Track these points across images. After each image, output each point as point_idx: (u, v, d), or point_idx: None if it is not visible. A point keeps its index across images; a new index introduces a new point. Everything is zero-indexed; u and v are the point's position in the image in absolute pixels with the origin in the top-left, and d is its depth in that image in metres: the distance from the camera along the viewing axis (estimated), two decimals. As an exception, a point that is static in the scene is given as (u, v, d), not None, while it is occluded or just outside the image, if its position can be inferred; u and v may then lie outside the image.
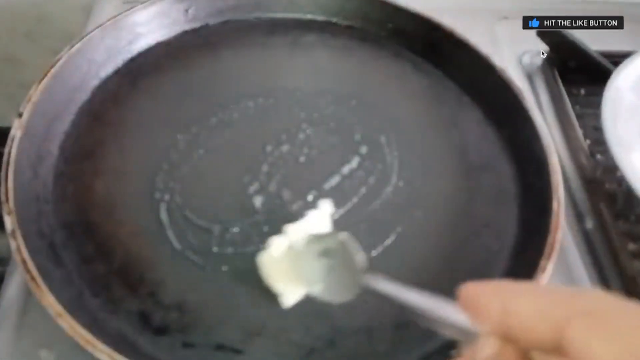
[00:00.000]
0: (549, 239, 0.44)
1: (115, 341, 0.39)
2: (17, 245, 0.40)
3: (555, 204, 0.47)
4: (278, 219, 0.47)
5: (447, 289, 0.45)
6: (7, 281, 0.49)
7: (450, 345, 0.41)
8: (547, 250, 0.44)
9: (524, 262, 0.45)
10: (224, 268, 0.44)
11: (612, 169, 0.61)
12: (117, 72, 0.56)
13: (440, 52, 0.60)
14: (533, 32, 0.69)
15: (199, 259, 0.45)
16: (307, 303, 0.43)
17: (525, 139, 0.53)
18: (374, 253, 0.47)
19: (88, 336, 0.36)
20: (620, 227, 0.56)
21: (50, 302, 0.38)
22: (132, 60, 0.57)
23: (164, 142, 0.51)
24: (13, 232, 0.41)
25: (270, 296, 0.43)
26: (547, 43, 0.70)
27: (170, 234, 0.46)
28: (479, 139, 0.55)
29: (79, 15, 0.73)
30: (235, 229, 0.47)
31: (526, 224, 0.49)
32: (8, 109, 0.91)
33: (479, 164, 0.53)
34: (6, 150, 0.45)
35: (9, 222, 0.42)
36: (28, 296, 0.47)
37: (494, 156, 0.54)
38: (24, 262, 0.40)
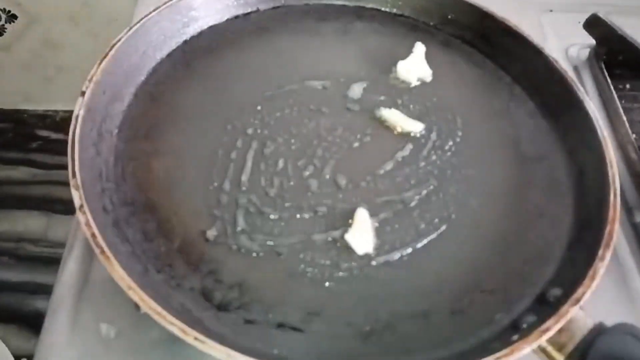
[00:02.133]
0: (608, 229, 0.44)
1: (181, 315, 0.40)
2: (87, 220, 0.41)
3: (611, 196, 0.47)
4: (333, 204, 0.48)
5: (500, 278, 0.45)
6: (65, 259, 0.50)
7: (508, 331, 0.42)
8: (605, 239, 0.44)
9: (581, 253, 0.45)
10: (283, 250, 0.45)
11: (660, 163, 0.61)
12: (172, 55, 0.57)
13: (491, 41, 0.60)
14: (580, 25, 0.69)
15: (258, 242, 0.45)
16: (366, 286, 0.44)
17: (579, 131, 0.53)
18: (427, 240, 0.47)
19: (159, 308, 0.37)
20: (667, 224, 0.56)
21: (120, 275, 0.39)
22: (186, 43, 0.58)
23: (217, 125, 0.52)
24: (81, 206, 0.42)
25: (327, 277, 0.44)
26: (593, 36, 0.69)
27: (228, 215, 0.46)
28: (531, 130, 0.55)
29: (123, 1, 0.74)
30: (294, 214, 0.47)
31: (582, 215, 0.49)
32: (46, 92, 0.92)
33: (533, 155, 0.53)
34: (71, 128, 0.46)
35: (77, 197, 0.42)
36: (87, 273, 0.48)
37: (547, 147, 0.54)
38: (93, 236, 0.40)
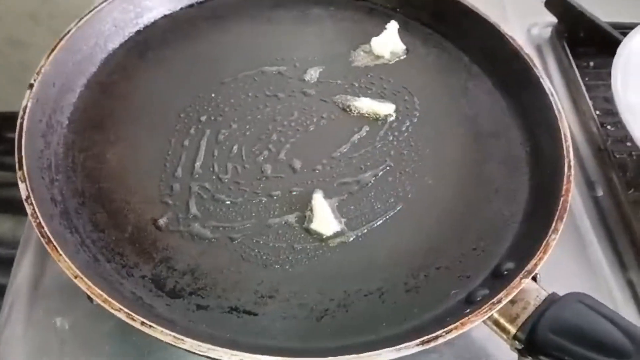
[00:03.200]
0: (561, 201, 0.44)
1: (131, 303, 0.39)
2: (32, 210, 0.41)
3: (565, 168, 0.47)
4: (288, 188, 0.48)
5: (456, 254, 0.45)
6: (19, 257, 0.49)
7: (462, 306, 0.42)
8: (559, 211, 0.44)
9: (535, 226, 0.45)
10: (237, 236, 0.45)
11: (622, 139, 0.61)
12: (125, 45, 0.56)
13: (448, 22, 0.60)
14: (542, 4, 0.69)
15: (211, 228, 0.45)
16: (321, 267, 0.44)
17: (535, 106, 0.52)
18: (382, 220, 0.47)
19: (105, 296, 0.37)
20: (631, 197, 0.56)
21: (66, 264, 0.38)
22: (139, 33, 0.57)
23: (171, 114, 0.51)
24: (27, 197, 0.41)
25: (281, 260, 0.44)
26: (554, 14, 0.69)
27: (180, 203, 0.46)
28: (489, 108, 0.55)
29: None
30: (248, 199, 0.47)
31: (537, 189, 0.48)
32: (13, 92, 0.91)
33: (489, 132, 0.53)
34: (18, 120, 0.46)
35: (23, 188, 0.42)
36: (42, 267, 0.48)
37: (504, 124, 0.53)
38: (39, 226, 0.40)
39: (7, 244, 0.82)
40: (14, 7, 0.80)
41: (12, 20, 0.81)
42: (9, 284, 0.49)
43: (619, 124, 0.62)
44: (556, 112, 0.50)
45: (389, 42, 0.58)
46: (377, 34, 0.59)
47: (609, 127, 0.63)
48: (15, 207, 0.43)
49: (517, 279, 0.40)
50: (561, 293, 0.41)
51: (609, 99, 0.64)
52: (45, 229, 0.40)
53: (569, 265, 0.50)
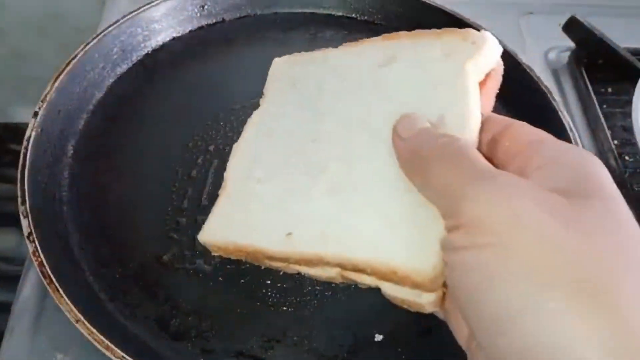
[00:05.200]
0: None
1: (133, 346, 0.38)
2: (34, 248, 0.39)
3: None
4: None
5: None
6: (22, 281, 0.48)
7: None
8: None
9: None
10: (244, 275, 0.43)
11: (640, 171, 0.60)
12: (132, 69, 0.55)
13: (464, 48, 0.58)
14: (559, 27, 0.67)
15: (217, 266, 0.44)
16: (330, 310, 0.42)
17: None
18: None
19: (106, 342, 0.35)
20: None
21: (68, 306, 0.37)
22: (148, 56, 0.56)
23: (178, 143, 0.50)
24: (30, 234, 0.40)
25: (289, 302, 0.42)
26: (573, 39, 0.67)
27: (186, 238, 0.45)
28: (504, 140, 0.53)
29: (92, 12, 0.72)
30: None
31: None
32: (20, 104, 0.90)
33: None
34: (22, 151, 0.44)
35: (25, 224, 0.41)
36: (44, 297, 0.47)
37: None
38: (41, 264, 0.39)
39: (12, 260, 0.82)
40: (21, 20, 0.79)
41: (20, 34, 0.80)
42: (13, 304, 0.48)
43: (637, 155, 0.60)
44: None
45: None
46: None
47: (626, 157, 0.61)
48: (18, 221, 0.43)
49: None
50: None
51: (627, 128, 0.62)
52: (47, 268, 0.39)
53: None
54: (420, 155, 0.30)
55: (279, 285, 0.43)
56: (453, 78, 0.35)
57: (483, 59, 0.35)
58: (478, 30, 0.36)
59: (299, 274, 0.40)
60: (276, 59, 0.46)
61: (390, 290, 0.33)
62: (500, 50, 0.36)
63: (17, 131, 0.46)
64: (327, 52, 0.43)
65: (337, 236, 0.34)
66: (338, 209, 0.34)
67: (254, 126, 0.42)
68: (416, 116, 0.33)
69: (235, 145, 0.41)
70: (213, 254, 0.40)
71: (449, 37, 0.38)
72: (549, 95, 0.52)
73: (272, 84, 0.44)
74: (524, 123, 0.31)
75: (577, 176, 0.26)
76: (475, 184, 0.26)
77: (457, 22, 0.58)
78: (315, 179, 0.36)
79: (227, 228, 0.38)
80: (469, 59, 0.35)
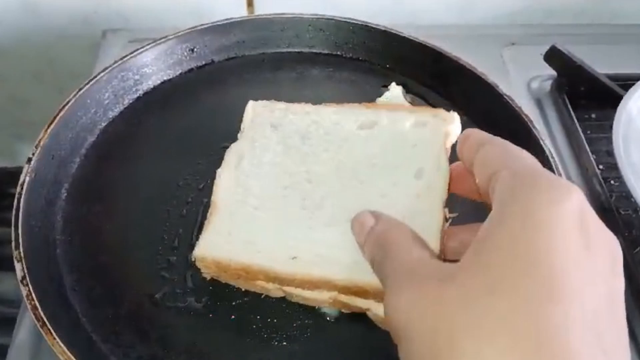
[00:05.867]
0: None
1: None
2: (28, 292, 0.40)
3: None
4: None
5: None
6: (19, 324, 0.49)
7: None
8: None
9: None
10: (234, 310, 0.44)
11: (626, 195, 0.60)
12: (124, 112, 0.56)
13: (446, 81, 0.60)
14: (541, 57, 0.69)
15: (207, 303, 0.44)
16: (322, 345, 0.43)
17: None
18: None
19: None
20: (637, 256, 0.55)
21: (60, 349, 0.38)
22: (139, 99, 0.57)
23: (170, 182, 0.51)
24: (23, 278, 0.41)
25: (279, 336, 0.43)
26: (554, 68, 0.69)
27: (177, 276, 0.45)
28: (489, 169, 0.54)
29: (86, 56, 0.75)
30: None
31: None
32: (17, 148, 0.92)
33: (490, 195, 0.52)
34: (16, 196, 0.46)
35: (19, 268, 0.42)
36: (40, 340, 0.47)
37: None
38: (34, 308, 0.40)
39: (10, 303, 0.82)
40: (19, 67, 0.81)
41: (17, 80, 0.83)
42: (10, 347, 0.48)
43: (622, 178, 0.61)
44: (556, 174, 0.50)
45: (392, 102, 0.58)
46: (376, 94, 0.59)
47: (612, 181, 0.62)
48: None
49: None
50: None
51: (611, 153, 0.63)
52: (40, 311, 0.40)
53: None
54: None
55: (268, 320, 0.43)
56: (429, 140, 0.44)
57: (451, 133, 0.45)
58: (448, 110, 0.46)
59: (283, 297, 0.42)
60: (252, 102, 0.50)
61: (381, 311, 0.35)
62: (460, 129, 0.45)
63: (16, 175, 0.47)
64: (306, 107, 0.49)
65: (342, 261, 0.38)
66: (341, 237, 0.38)
67: (234, 155, 0.46)
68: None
69: (219, 171, 0.46)
70: (204, 274, 0.43)
71: (423, 112, 0.47)
72: (529, 124, 0.53)
73: (251, 122, 0.49)
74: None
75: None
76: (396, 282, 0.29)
77: (438, 56, 0.60)
78: (313, 213, 0.42)
79: (228, 245, 0.41)
80: (442, 128, 0.44)
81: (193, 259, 0.42)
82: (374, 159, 0.44)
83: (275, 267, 0.40)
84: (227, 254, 0.41)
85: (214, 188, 0.44)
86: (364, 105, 0.49)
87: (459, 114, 0.58)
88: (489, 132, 0.55)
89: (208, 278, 0.44)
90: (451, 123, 0.45)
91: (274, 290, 0.42)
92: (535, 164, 0.31)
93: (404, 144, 0.44)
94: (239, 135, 0.48)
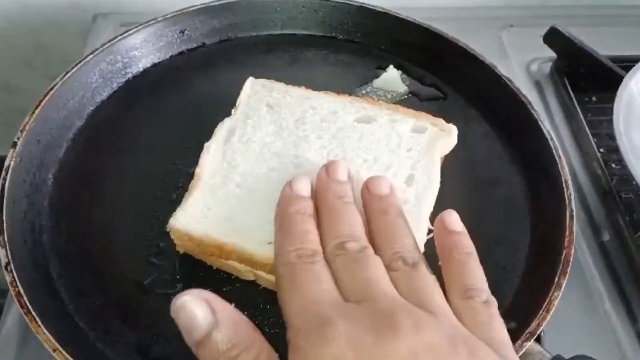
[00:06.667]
0: (564, 254, 0.42)
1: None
2: (12, 278, 0.39)
3: (567, 217, 0.45)
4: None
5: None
6: (5, 312, 0.48)
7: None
8: (562, 265, 0.42)
9: (537, 280, 0.43)
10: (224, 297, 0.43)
11: (628, 178, 0.59)
12: (113, 96, 0.55)
13: (444, 63, 0.58)
14: (540, 39, 0.67)
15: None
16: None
17: (534, 152, 0.51)
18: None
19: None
20: (638, 239, 0.54)
21: (45, 336, 0.37)
22: (128, 83, 0.56)
23: (159, 167, 0.50)
24: (7, 264, 0.40)
25: (271, 323, 0.42)
26: (554, 50, 0.68)
27: (167, 263, 0.44)
28: (487, 153, 0.53)
29: (77, 42, 0.73)
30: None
31: (539, 239, 0.46)
32: (6, 137, 0.91)
33: (488, 179, 0.51)
34: (1, 181, 0.44)
35: (3, 254, 0.41)
36: (27, 328, 0.46)
37: (503, 170, 0.52)
38: (18, 295, 0.39)
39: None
40: (7, 54, 0.80)
41: (7, 68, 0.81)
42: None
43: (623, 161, 0.60)
44: (556, 157, 0.49)
45: (389, 85, 0.57)
46: (372, 77, 0.58)
47: (613, 165, 0.61)
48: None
49: (519, 341, 0.38)
50: (567, 351, 0.39)
51: (612, 135, 0.62)
52: (24, 298, 0.39)
53: (575, 319, 0.48)
54: None
55: (260, 306, 0.42)
56: (424, 148, 0.45)
57: (447, 144, 0.46)
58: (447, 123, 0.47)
59: (254, 281, 0.41)
60: (252, 78, 0.49)
61: None
62: (456, 141, 0.47)
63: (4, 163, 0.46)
64: (307, 92, 0.49)
65: None
66: None
67: (225, 130, 0.46)
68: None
69: (207, 144, 0.45)
70: (177, 248, 0.43)
71: (423, 119, 0.47)
72: (528, 105, 0.52)
73: (248, 99, 0.48)
74: None
75: None
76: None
77: (436, 37, 0.58)
78: None
79: (205, 219, 0.41)
80: (440, 138, 0.45)
81: (168, 230, 0.41)
82: (366, 155, 0.44)
83: (249, 248, 0.39)
84: (203, 229, 0.40)
85: (200, 160, 0.44)
86: (365, 100, 0.49)
87: (456, 95, 0.58)
88: (488, 116, 0.55)
89: (181, 252, 0.43)
90: (449, 136, 0.46)
91: (245, 272, 0.42)
92: None
93: (399, 146, 0.45)
94: (233, 110, 0.48)
